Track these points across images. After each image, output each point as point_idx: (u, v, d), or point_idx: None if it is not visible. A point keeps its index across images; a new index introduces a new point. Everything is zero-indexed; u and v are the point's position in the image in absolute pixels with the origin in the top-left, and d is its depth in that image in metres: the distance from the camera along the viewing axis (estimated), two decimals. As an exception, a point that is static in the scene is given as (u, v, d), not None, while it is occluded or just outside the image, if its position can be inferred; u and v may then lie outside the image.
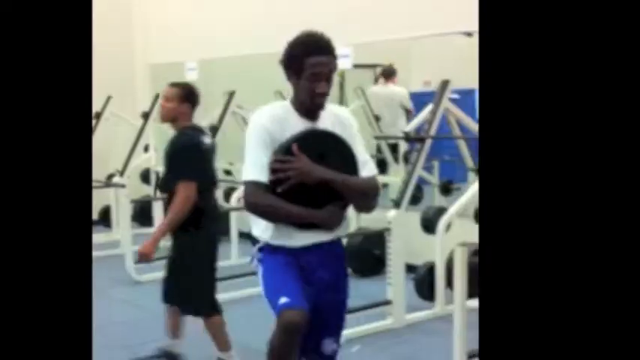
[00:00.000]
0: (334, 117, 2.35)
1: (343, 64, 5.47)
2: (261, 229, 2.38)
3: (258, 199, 2.25)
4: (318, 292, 2.36)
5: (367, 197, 2.40)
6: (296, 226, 2.30)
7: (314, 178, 2.23)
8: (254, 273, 5.93)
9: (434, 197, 5.88)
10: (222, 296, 4.96)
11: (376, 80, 6.80)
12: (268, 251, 2.40)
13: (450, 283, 4.15)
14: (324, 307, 2.38)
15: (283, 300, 2.26)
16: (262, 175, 2.23)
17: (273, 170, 2.22)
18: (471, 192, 4.25)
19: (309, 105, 2.28)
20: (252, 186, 2.25)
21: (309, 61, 2.24)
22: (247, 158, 2.28)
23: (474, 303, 3.96)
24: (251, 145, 2.27)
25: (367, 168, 2.37)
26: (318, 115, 2.31)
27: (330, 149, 2.29)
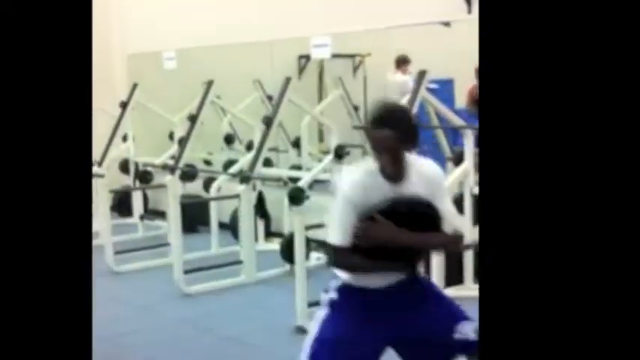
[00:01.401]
0: (420, 175, 2.40)
1: (322, 53, 5.47)
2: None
3: (340, 259, 2.38)
4: (410, 315, 2.43)
5: (448, 251, 2.59)
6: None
7: (396, 244, 2.34)
8: (234, 263, 5.88)
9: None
10: (201, 287, 4.98)
11: (355, 70, 6.81)
12: (343, 295, 2.44)
13: (428, 270, 4.19)
14: (425, 319, 2.42)
15: None
16: (344, 240, 2.33)
17: (357, 237, 2.32)
18: (448, 181, 4.28)
19: (384, 174, 2.34)
20: (334, 249, 2.37)
21: (370, 134, 2.33)
22: (332, 221, 2.38)
23: (453, 291, 4.00)
24: (335, 209, 2.37)
25: (449, 223, 2.43)
26: (403, 176, 2.36)
27: (413, 212, 2.37)
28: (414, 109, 4.51)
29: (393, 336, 2.44)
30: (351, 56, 6.73)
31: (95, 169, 6.39)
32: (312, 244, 5.09)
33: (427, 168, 2.46)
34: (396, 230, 2.33)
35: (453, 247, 2.61)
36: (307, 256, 4.70)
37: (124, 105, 6.54)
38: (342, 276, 2.44)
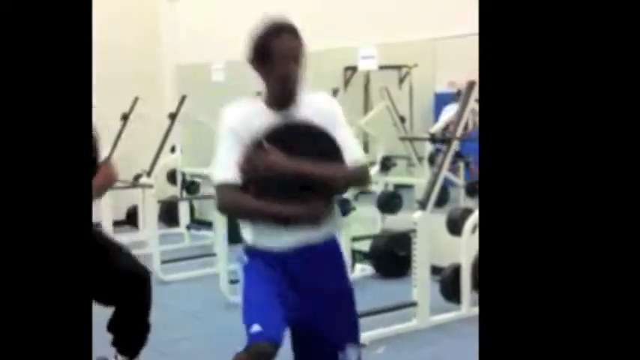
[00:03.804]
0: (312, 105, 2.19)
1: (368, 64, 5.47)
2: (245, 230, 2.25)
3: (225, 198, 2.14)
4: (313, 300, 2.20)
5: (352, 185, 2.33)
6: (276, 223, 2.13)
7: (288, 171, 2.07)
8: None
9: (460, 198, 5.85)
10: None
11: (401, 81, 6.78)
12: (252, 255, 2.24)
13: (475, 284, 4.13)
14: (326, 314, 2.21)
15: (255, 328, 2.09)
16: (230, 175, 2.10)
17: (244, 170, 2.09)
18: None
19: (280, 93, 2.14)
20: (220, 188, 2.14)
21: (276, 44, 2.10)
22: (217, 161, 2.17)
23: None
24: (218, 148, 2.17)
25: (349, 154, 2.18)
26: (291, 105, 2.16)
27: (306, 140, 2.12)
28: (463, 120, 4.47)
29: (295, 311, 2.17)
30: (398, 67, 6.71)
31: (144, 180, 6.50)
32: (357, 256, 5.07)
33: (317, 98, 2.23)
34: (288, 159, 2.06)
35: (359, 183, 2.30)
36: (353, 268, 4.69)
37: (172, 116, 6.63)
38: (246, 237, 2.22)
